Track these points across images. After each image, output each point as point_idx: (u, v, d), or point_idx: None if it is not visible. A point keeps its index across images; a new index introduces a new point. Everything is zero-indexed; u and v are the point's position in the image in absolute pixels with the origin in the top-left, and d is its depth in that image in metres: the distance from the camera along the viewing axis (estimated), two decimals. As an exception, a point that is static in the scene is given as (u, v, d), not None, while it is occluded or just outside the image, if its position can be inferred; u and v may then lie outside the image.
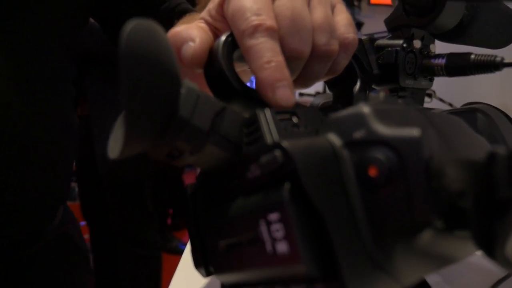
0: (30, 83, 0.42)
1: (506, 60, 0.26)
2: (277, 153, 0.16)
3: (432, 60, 0.29)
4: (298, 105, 0.22)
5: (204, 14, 0.26)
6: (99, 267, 1.36)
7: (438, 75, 0.30)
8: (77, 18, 0.48)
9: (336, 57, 0.24)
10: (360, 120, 0.16)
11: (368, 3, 2.48)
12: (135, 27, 0.16)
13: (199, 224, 0.21)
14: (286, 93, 0.20)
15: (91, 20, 0.58)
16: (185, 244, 2.04)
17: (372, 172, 0.15)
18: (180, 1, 0.56)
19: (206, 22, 0.25)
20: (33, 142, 0.43)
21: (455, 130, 0.19)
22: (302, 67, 0.24)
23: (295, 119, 0.19)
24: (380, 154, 0.15)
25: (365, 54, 0.29)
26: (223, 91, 0.21)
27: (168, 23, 0.52)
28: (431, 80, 0.31)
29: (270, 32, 0.21)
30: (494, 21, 0.31)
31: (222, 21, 0.24)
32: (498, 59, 0.26)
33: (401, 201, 0.15)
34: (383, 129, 0.16)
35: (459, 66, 0.28)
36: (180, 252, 1.99)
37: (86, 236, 1.50)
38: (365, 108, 0.16)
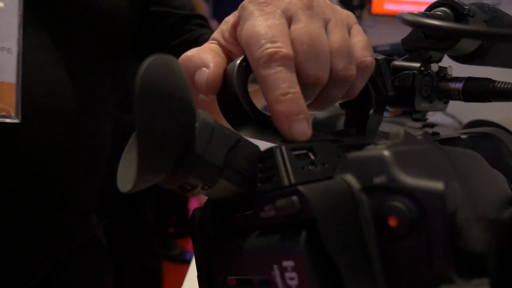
0: (84, 93, 0.46)
1: None
2: (295, 199, 0.15)
3: (449, 84, 0.28)
4: (314, 137, 0.21)
5: (216, 34, 0.25)
6: None
7: (454, 99, 0.29)
8: (120, 52, 0.52)
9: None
10: (380, 165, 0.16)
11: (370, 13, 2.43)
12: (151, 64, 0.15)
13: (208, 252, 0.21)
14: (303, 127, 0.20)
15: None
16: (189, 253, 2.03)
17: (392, 222, 0.15)
18: (205, 32, 0.56)
19: (219, 43, 0.24)
20: (76, 148, 0.45)
21: (474, 170, 0.19)
22: (319, 92, 0.23)
23: (312, 156, 0.19)
24: (401, 204, 0.15)
25: (381, 75, 0.28)
26: (237, 117, 0.21)
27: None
28: (446, 102, 0.30)
29: (286, 60, 0.20)
30: None
31: (235, 44, 0.24)
32: None
33: (421, 254, 0.15)
34: (405, 178, 0.15)
35: (477, 92, 0.27)
36: (182, 261, 1.99)
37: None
38: (385, 152, 0.16)
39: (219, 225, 0.21)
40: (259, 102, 0.25)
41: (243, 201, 0.19)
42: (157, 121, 0.15)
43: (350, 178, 0.17)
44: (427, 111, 0.29)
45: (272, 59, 0.20)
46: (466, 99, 0.28)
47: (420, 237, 0.15)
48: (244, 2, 0.23)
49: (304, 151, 0.19)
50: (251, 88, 0.23)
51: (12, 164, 0.40)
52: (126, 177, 0.17)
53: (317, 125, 0.70)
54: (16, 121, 0.39)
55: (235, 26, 0.23)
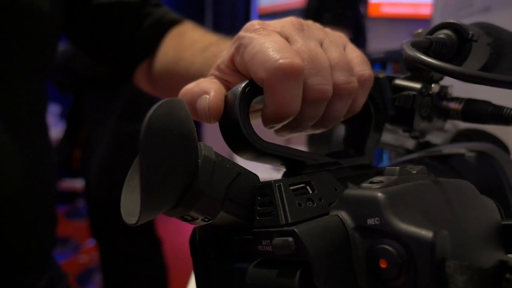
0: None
1: None
2: (290, 240, 0.16)
3: (450, 104, 0.29)
4: (313, 160, 0.22)
5: (213, 70, 0.25)
6: (108, 284, 1.39)
7: (453, 118, 0.29)
8: (48, 44, 0.47)
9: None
10: (374, 207, 0.17)
11: (366, 16, 2.43)
12: (157, 108, 0.16)
13: (207, 272, 0.22)
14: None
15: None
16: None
17: (383, 264, 0.16)
18: (165, 11, 0.54)
19: (216, 76, 0.25)
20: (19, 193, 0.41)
21: (465, 203, 0.20)
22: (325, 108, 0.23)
23: (309, 190, 0.19)
24: (391, 248, 0.16)
25: (381, 94, 0.28)
26: (238, 143, 0.21)
27: (155, 36, 0.52)
28: (445, 120, 0.31)
29: (300, 71, 0.21)
30: None
31: (233, 74, 0.24)
32: None
33: None
34: (397, 223, 0.16)
35: (476, 114, 0.27)
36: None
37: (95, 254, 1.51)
38: (379, 195, 0.17)
39: (218, 246, 0.21)
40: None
41: (242, 227, 0.20)
42: (159, 162, 0.16)
43: (345, 216, 0.18)
44: (425, 130, 0.29)
45: (287, 71, 0.20)
46: (465, 120, 0.28)
47: (409, 281, 0.15)
48: (239, 33, 0.23)
49: (302, 185, 0.19)
50: (252, 108, 0.23)
51: None
52: (131, 210, 0.17)
53: (314, 135, 0.71)
54: None
55: (232, 58, 0.24)
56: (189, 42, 0.49)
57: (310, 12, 1.57)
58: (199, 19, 3.88)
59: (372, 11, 2.58)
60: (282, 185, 0.18)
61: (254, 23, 0.23)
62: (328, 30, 0.26)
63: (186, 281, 0.59)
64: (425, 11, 2.36)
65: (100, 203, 1.28)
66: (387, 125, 0.30)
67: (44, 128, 0.48)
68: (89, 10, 0.51)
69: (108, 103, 1.32)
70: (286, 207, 0.18)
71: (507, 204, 0.27)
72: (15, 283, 0.43)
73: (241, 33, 0.23)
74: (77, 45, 0.56)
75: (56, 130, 1.71)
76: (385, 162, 0.65)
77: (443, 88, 0.29)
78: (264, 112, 0.22)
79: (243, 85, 0.22)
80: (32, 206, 0.43)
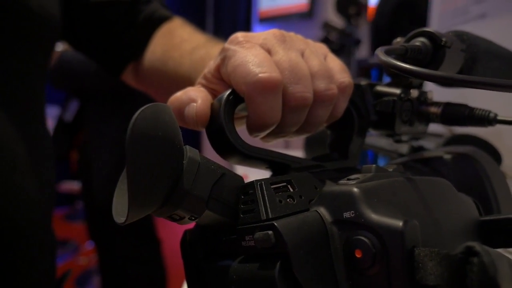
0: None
1: (499, 117, 0.27)
2: (270, 233, 0.17)
3: (429, 108, 0.30)
4: (297, 163, 0.23)
5: (200, 79, 0.27)
6: (107, 286, 1.40)
7: (433, 122, 0.30)
8: (47, 43, 0.47)
9: (335, 101, 0.26)
10: (350, 201, 0.18)
11: (366, 20, 2.42)
12: (141, 113, 0.17)
13: (199, 272, 0.23)
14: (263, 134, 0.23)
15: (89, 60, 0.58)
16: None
17: (358, 254, 0.17)
18: (155, 8, 0.55)
19: (202, 85, 0.26)
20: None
21: (440, 200, 0.21)
22: (306, 114, 0.25)
23: (290, 188, 0.20)
24: (366, 238, 0.17)
25: (363, 100, 0.29)
26: (224, 148, 0.23)
27: (146, 34, 0.53)
28: (427, 124, 0.32)
29: (277, 85, 0.22)
30: (494, 67, 0.31)
31: (219, 83, 0.25)
32: (491, 115, 0.27)
33: (382, 284, 0.17)
34: (370, 214, 0.17)
35: (455, 117, 0.28)
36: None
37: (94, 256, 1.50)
38: (355, 189, 0.18)
39: (207, 247, 0.22)
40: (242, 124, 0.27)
41: (228, 229, 0.20)
42: (145, 164, 0.17)
43: (323, 211, 0.19)
44: (407, 134, 0.30)
45: (265, 85, 0.22)
46: (445, 123, 0.29)
47: (382, 269, 0.16)
48: (224, 44, 0.25)
49: (283, 184, 0.20)
50: (236, 114, 0.24)
51: None
52: (120, 210, 0.18)
53: (311, 138, 0.71)
54: None
55: (218, 68, 0.25)
56: (178, 41, 0.50)
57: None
58: (200, 22, 3.90)
59: (372, 16, 2.60)
60: (263, 183, 0.19)
61: (238, 35, 0.25)
62: (309, 41, 0.27)
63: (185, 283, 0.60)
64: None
65: (101, 206, 1.29)
66: (372, 130, 0.31)
67: (45, 127, 0.49)
68: (83, 9, 0.52)
69: (111, 114, 1.34)
70: (267, 203, 0.19)
71: (488, 203, 0.28)
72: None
73: (226, 45, 0.24)
74: (68, 41, 0.57)
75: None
76: None
77: (423, 94, 0.30)
78: (247, 122, 0.23)
79: (227, 93, 0.23)
80: (39, 206, 0.44)
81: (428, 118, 0.30)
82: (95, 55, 0.57)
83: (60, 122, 1.51)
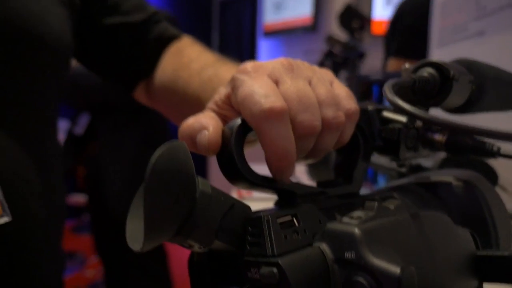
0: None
1: (503, 152, 0.27)
2: (275, 271, 0.18)
3: (434, 135, 0.30)
4: (302, 190, 0.24)
5: (211, 104, 0.27)
6: None
7: (438, 149, 0.30)
8: (60, 66, 0.49)
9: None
10: (351, 242, 0.19)
11: (370, 34, 2.45)
12: (161, 153, 0.18)
13: None
14: (289, 174, 0.24)
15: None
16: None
17: None
18: (165, 28, 0.56)
19: (213, 110, 0.27)
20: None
21: (440, 236, 0.22)
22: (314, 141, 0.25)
23: (295, 222, 0.21)
24: (364, 280, 0.18)
25: (369, 125, 0.30)
26: (233, 175, 0.23)
27: (155, 54, 0.54)
28: (431, 149, 0.31)
29: (282, 114, 0.22)
30: (503, 93, 0.31)
31: (229, 109, 0.26)
32: (495, 148, 0.27)
33: None
34: (369, 257, 0.18)
35: (459, 147, 0.29)
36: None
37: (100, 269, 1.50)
38: (357, 231, 0.19)
39: (214, 270, 0.23)
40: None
41: (235, 255, 0.21)
42: (161, 199, 0.18)
43: (326, 248, 0.20)
44: (411, 159, 0.31)
45: (269, 114, 0.22)
46: (449, 152, 0.30)
47: None
48: (234, 74, 0.25)
49: (289, 218, 0.21)
50: (247, 139, 0.25)
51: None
52: (135, 237, 0.19)
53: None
54: (6, 221, 0.36)
55: (228, 96, 0.26)
56: (187, 60, 0.52)
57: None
58: (206, 36, 3.92)
59: (375, 29, 2.61)
60: (270, 219, 0.20)
61: (247, 65, 0.25)
62: (316, 68, 0.28)
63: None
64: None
65: (111, 219, 1.30)
66: (376, 153, 0.32)
67: (57, 146, 0.51)
68: (95, 31, 0.54)
69: (123, 127, 1.36)
70: (273, 239, 0.20)
71: (487, 235, 0.29)
72: None
73: (236, 74, 0.25)
74: (80, 61, 0.59)
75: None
76: (380, 184, 0.67)
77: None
78: (266, 160, 0.24)
79: (238, 123, 0.23)
80: (49, 221, 0.45)
81: (433, 145, 0.30)
82: (106, 75, 0.59)
83: (70, 135, 1.53)
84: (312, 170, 0.71)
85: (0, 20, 0.38)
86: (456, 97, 0.29)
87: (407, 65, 0.31)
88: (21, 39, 0.41)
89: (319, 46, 2.27)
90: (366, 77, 0.92)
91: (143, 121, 1.37)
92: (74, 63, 1.34)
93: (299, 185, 0.25)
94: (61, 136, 1.58)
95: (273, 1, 3.17)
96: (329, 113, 0.25)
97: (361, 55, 2.15)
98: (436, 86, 0.28)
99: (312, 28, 2.87)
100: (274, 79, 0.25)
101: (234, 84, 0.25)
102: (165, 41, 0.55)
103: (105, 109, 1.39)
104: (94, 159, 1.42)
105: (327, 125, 0.25)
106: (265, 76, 0.24)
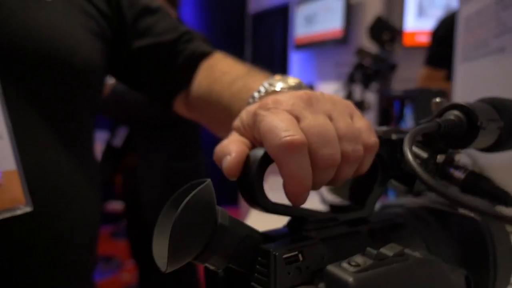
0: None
1: None
2: None
3: (453, 172, 0.29)
4: (312, 213, 0.26)
5: (237, 122, 0.29)
6: None
7: (454, 185, 0.30)
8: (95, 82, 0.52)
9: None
10: None
11: (401, 45, 2.43)
12: (191, 196, 0.21)
13: None
14: (304, 200, 0.25)
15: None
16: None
17: None
18: (196, 46, 0.59)
19: (240, 133, 0.29)
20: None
21: (429, 283, 0.23)
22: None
23: (300, 258, 0.24)
24: None
25: (390, 154, 0.30)
26: (250, 200, 0.26)
27: (189, 70, 0.59)
28: (448, 183, 0.31)
29: (301, 147, 0.24)
30: None
31: (253, 136, 0.28)
32: (509, 198, 0.27)
33: None
34: None
35: (475, 188, 0.28)
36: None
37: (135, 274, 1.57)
38: (351, 280, 0.21)
39: (226, 279, 0.26)
40: None
41: (243, 275, 0.24)
42: (186, 232, 0.21)
43: None
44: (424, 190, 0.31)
45: (288, 147, 0.23)
46: (464, 191, 0.29)
47: None
48: (255, 109, 0.27)
49: (295, 253, 0.23)
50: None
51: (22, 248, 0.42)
52: (161, 257, 0.22)
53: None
54: (27, 210, 0.37)
55: (252, 125, 0.27)
56: (219, 75, 0.54)
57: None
58: (239, 49, 3.99)
59: (407, 41, 2.59)
60: (277, 256, 0.23)
61: (269, 101, 0.27)
62: (336, 100, 0.29)
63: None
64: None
65: (146, 227, 1.36)
66: (393, 181, 0.32)
67: (93, 157, 0.56)
68: (129, 53, 0.58)
69: (159, 142, 1.45)
70: (277, 276, 0.22)
71: (487, 275, 0.29)
72: None
73: (257, 110, 0.27)
74: (121, 80, 0.63)
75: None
76: (390, 195, 0.68)
77: (451, 155, 0.30)
78: (285, 190, 0.25)
79: (261, 155, 0.25)
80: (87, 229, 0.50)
81: (450, 180, 0.30)
82: (145, 91, 0.63)
83: (108, 146, 1.63)
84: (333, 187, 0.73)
85: (40, 52, 0.42)
86: (483, 141, 0.28)
87: (438, 100, 0.31)
88: (57, 68, 0.45)
89: (350, 59, 2.26)
90: (388, 92, 0.93)
91: (177, 135, 1.45)
92: (114, 81, 1.46)
93: (310, 212, 0.27)
94: (100, 146, 1.69)
95: (304, 14, 3.20)
96: (349, 147, 0.26)
97: (392, 67, 2.13)
98: (464, 129, 0.28)
99: (343, 40, 2.87)
100: (295, 115, 0.26)
101: (256, 118, 0.26)
102: (198, 57, 0.58)
103: (142, 123, 1.48)
104: (131, 169, 1.51)
105: (346, 158, 0.26)
106: (284, 112, 0.25)
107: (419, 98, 0.87)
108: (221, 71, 0.54)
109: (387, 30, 2.15)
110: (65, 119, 0.47)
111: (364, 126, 0.28)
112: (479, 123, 0.27)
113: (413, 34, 2.55)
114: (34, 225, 0.41)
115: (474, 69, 0.98)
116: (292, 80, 0.37)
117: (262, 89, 0.36)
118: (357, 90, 2.20)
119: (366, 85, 2.19)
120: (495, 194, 0.27)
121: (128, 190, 1.54)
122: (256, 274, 0.23)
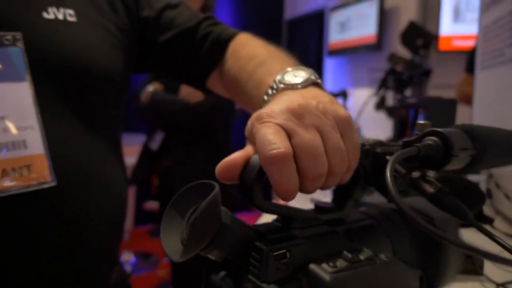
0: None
1: (470, 217, 0.29)
2: None
3: (425, 186, 0.31)
4: (299, 213, 0.30)
5: (247, 131, 0.31)
6: None
7: (424, 197, 0.32)
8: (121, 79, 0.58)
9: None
10: (324, 286, 0.25)
11: (437, 50, 2.39)
12: (204, 205, 0.25)
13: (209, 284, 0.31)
14: (292, 198, 0.28)
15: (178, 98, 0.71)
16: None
17: None
18: (222, 29, 0.62)
19: (250, 140, 0.31)
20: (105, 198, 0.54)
21: (391, 281, 0.27)
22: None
23: (287, 255, 0.27)
24: None
25: (372, 165, 0.33)
26: (247, 199, 0.29)
27: (217, 53, 0.63)
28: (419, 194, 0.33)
29: (286, 158, 0.26)
30: (504, 150, 0.33)
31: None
32: (469, 214, 0.29)
33: None
34: None
35: (442, 202, 0.30)
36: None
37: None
38: (329, 279, 0.25)
39: (220, 266, 0.30)
40: None
41: (239, 264, 0.28)
42: (201, 227, 0.25)
43: (305, 284, 0.26)
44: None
45: (274, 160, 0.26)
46: (433, 203, 0.32)
47: None
48: (253, 121, 0.29)
49: (283, 251, 0.27)
50: None
51: (51, 223, 0.48)
52: (172, 249, 0.26)
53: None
54: (52, 184, 0.45)
55: (252, 137, 0.29)
56: (243, 62, 0.56)
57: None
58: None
59: (442, 46, 2.52)
60: (269, 252, 0.26)
61: (263, 114, 0.29)
62: (329, 112, 0.30)
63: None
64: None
65: None
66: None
67: (121, 158, 0.63)
68: (157, 48, 0.62)
69: (193, 147, 1.55)
70: (268, 270, 0.26)
71: (440, 272, 0.33)
72: (92, 273, 0.54)
73: (254, 122, 0.29)
74: (151, 71, 0.68)
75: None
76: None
77: (425, 172, 0.33)
78: (274, 190, 0.28)
79: (259, 168, 0.28)
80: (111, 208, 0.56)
81: (420, 193, 0.32)
82: (177, 77, 0.68)
83: (145, 149, 1.74)
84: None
85: (65, 64, 0.50)
86: (454, 166, 0.31)
87: (422, 122, 0.34)
88: (82, 75, 0.52)
89: (384, 65, 2.22)
90: (403, 100, 0.96)
91: (208, 141, 1.55)
92: (153, 89, 1.55)
93: (298, 212, 0.31)
94: (138, 148, 1.80)
95: (338, 20, 3.20)
96: (335, 162, 0.28)
97: (427, 73, 2.08)
98: (439, 154, 0.30)
99: (376, 46, 2.83)
100: (287, 130, 0.28)
101: (252, 130, 0.29)
102: (224, 39, 0.61)
103: (177, 129, 1.58)
104: (166, 171, 1.61)
105: (332, 172, 0.28)
106: (276, 126, 0.27)
107: (430, 106, 0.89)
108: (245, 57, 0.56)
109: (420, 35, 2.10)
110: (91, 112, 0.53)
111: (351, 148, 0.30)
112: (453, 152, 0.30)
113: (449, 39, 2.46)
114: (58, 198, 0.48)
115: (490, 78, 0.99)
116: (301, 74, 0.39)
117: (274, 86, 0.40)
118: (390, 96, 2.20)
119: (399, 90, 2.17)
120: (455, 210, 0.30)
121: (163, 190, 1.65)
122: (251, 267, 0.27)
